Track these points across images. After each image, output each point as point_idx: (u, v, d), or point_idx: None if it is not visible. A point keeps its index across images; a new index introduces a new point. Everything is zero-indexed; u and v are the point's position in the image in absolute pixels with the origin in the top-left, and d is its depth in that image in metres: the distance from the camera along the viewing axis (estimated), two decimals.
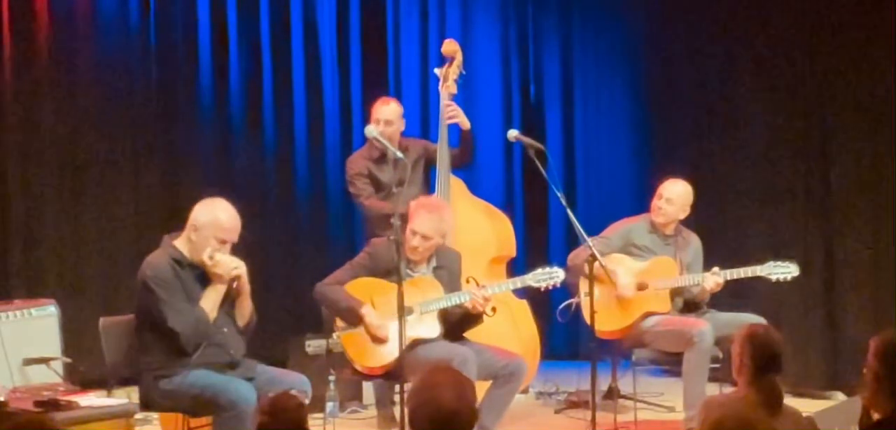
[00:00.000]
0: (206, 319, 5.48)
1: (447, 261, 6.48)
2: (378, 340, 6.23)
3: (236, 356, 5.61)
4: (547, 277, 6.42)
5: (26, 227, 7.70)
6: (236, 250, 5.63)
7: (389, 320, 6.10)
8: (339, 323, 6.37)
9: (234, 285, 5.56)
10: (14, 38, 7.63)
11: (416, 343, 6.17)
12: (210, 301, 5.51)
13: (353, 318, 6.29)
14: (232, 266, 5.52)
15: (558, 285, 6.52)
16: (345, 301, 6.32)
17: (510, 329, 7.23)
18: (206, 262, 5.49)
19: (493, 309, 7.04)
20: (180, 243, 5.56)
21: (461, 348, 6.23)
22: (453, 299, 6.32)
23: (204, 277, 5.54)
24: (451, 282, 6.45)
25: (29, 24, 7.71)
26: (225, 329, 5.57)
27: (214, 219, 5.51)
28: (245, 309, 5.65)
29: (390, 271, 6.15)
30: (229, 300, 5.59)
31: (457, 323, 6.39)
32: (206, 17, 8.26)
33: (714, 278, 6.82)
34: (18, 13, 7.65)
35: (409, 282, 6.26)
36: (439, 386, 3.44)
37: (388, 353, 6.16)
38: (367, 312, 6.26)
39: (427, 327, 6.29)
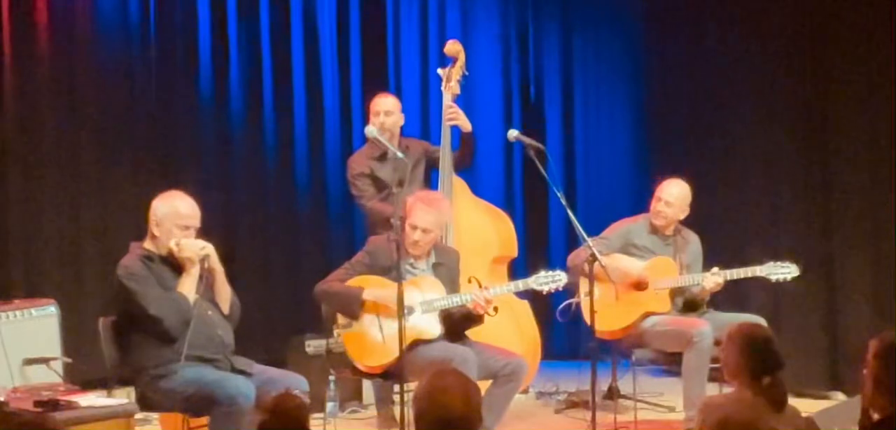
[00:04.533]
0: (186, 300, 5.59)
1: (446, 258, 6.48)
2: (385, 313, 6.17)
3: (227, 339, 5.68)
4: (549, 280, 6.41)
5: (26, 227, 7.69)
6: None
7: (391, 292, 6.04)
8: (340, 322, 6.36)
9: (205, 265, 5.65)
10: (14, 38, 7.61)
11: (417, 343, 6.16)
12: (186, 286, 5.63)
13: (355, 306, 6.26)
14: (199, 247, 5.65)
15: (560, 289, 6.52)
16: (345, 293, 6.32)
17: (513, 329, 7.22)
18: (173, 249, 5.64)
19: (495, 309, 7.05)
20: (147, 244, 5.72)
21: (461, 348, 6.22)
22: (455, 300, 6.32)
23: (176, 269, 5.66)
24: (451, 280, 6.44)
25: (29, 25, 7.69)
26: (209, 312, 5.67)
27: (173, 210, 5.68)
28: (224, 293, 5.77)
29: (389, 268, 6.15)
30: (207, 286, 5.68)
31: (458, 323, 6.39)
32: (206, 17, 8.26)
33: (714, 279, 6.81)
34: (18, 13, 7.64)
35: (410, 281, 6.26)
36: (447, 390, 3.43)
37: (389, 352, 6.14)
38: (369, 292, 6.24)
39: (428, 326, 6.29)
